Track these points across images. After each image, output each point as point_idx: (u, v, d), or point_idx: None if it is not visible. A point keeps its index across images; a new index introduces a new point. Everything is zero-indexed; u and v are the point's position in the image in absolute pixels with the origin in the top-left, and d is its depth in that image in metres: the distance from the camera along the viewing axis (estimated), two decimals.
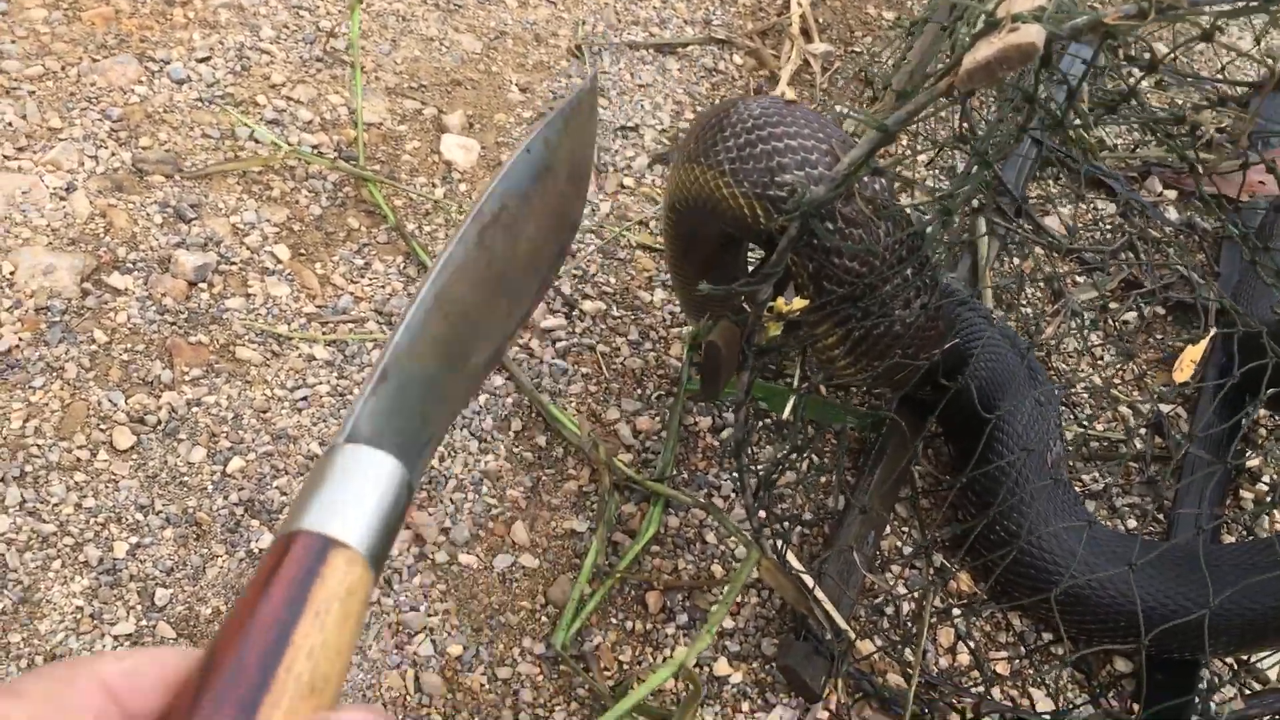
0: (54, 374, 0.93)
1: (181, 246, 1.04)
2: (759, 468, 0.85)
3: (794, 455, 0.88)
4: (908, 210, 0.79)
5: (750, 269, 1.00)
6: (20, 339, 0.94)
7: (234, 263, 1.04)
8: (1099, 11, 0.59)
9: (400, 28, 1.34)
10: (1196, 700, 0.97)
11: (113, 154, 1.09)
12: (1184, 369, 0.87)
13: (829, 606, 0.88)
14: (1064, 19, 0.60)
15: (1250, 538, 1.13)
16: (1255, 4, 0.58)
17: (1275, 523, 1.16)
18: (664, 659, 0.90)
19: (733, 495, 1.01)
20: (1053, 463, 1.00)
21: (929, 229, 0.78)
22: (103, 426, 0.91)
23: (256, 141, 1.15)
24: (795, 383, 0.88)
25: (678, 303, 1.03)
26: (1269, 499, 1.17)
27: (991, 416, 0.96)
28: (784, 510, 0.95)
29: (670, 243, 0.91)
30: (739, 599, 0.95)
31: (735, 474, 0.83)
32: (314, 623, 0.37)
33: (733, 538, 0.97)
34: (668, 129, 1.34)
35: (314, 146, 1.17)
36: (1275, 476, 1.22)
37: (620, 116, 1.33)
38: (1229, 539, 1.12)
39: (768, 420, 1.03)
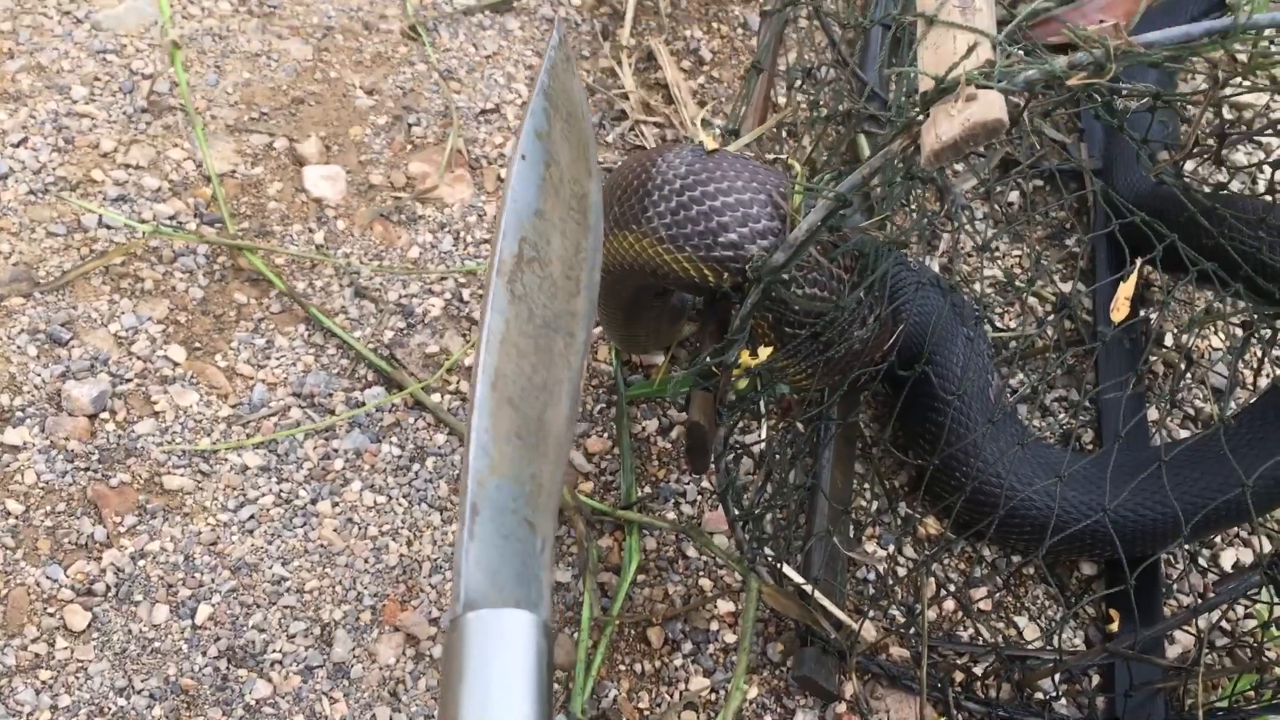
0: None
1: (68, 376, 0.95)
2: (743, 501, 0.85)
3: (771, 482, 0.88)
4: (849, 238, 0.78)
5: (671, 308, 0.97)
6: None
7: (129, 380, 0.97)
8: (1053, 66, 0.57)
9: (219, 49, 1.22)
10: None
11: None
12: (1120, 308, 0.89)
13: (830, 606, 0.90)
14: (1015, 72, 0.58)
15: (1171, 407, 1.18)
16: (1203, 44, 0.57)
17: (1190, 387, 1.22)
18: (680, 694, 0.90)
19: (699, 498, 1.01)
20: (995, 397, 1.02)
21: (874, 253, 0.77)
22: (50, 610, 0.85)
23: (108, 228, 1.05)
24: (762, 410, 0.88)
25: (606, 335, 1.01)
26: (1180, 363, 1.23)
27: (923, 369, 0.98)
28: (773, 523, 0.95)
29: (605, 300, 0.87)
30: (732, 608, 0.95)
31: (727, 518, 0.83)
32: None
33: (710, 550, 0.97)
34: (528, 101, 1.27)
35: (171, 218, 1.08)
36: (1176, 332, 1.27)
37: (478, 99, 1.26)
38: (1154, 413, 1.17)
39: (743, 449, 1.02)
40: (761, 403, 0.89)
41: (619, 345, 1.04)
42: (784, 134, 1.19)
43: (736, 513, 0.83)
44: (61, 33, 1.19)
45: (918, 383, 1.01)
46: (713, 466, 0.80)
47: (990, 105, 0.57)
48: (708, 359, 0.74)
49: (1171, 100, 0.68)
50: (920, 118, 0.61)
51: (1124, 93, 0.68)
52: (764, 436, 0.91)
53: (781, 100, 1.21)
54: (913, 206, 1.10)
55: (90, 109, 1.13)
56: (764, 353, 0.76)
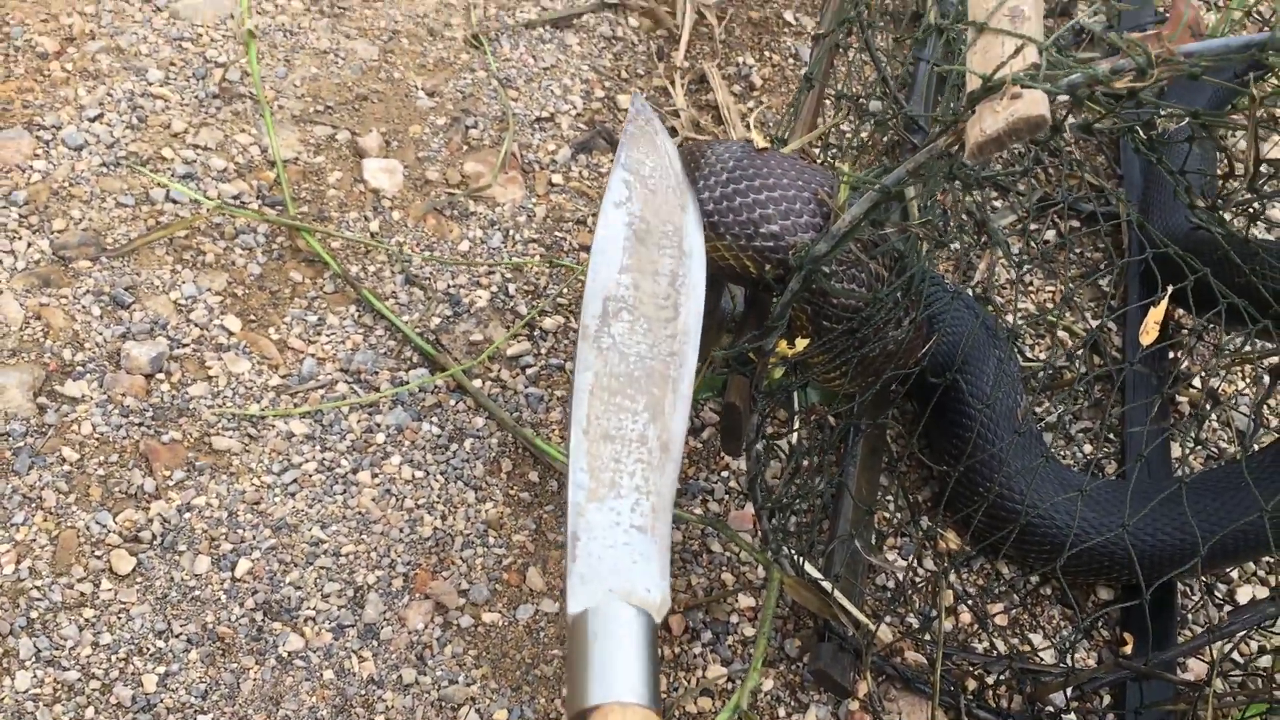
0: (33, 505, 0.89)
1: (128, 337, 0.99)
2: (771, 493, 0.87)
3: (798, 477, 0.91)
4: (888, 236, 0.81)
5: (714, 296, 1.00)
6: None
7: (186, 344, 1.01)
8: (1096, 70, 0.60)
9: (290, 45, 1.27)
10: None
11: (29, 244, 1.03)
12: (1149, 332, 0.92)
13: (848, 605, 0.92)
14: (1059, 76, 0.61)
15: (1195, 445, 1.20)
16: (1239, 57, 0.60)
17: (1214, 428, 1.24)
18: (697, 680, 0.93)
19: (726, 498, 1.04)
20: (1022, 417, 1.05)
21: (912, 255, 0.80)
22: (98, 553, 0.88)
23: (174, 202, 1.10)
24: (795, 405, 0.91)
25: None
26: (1204, 404, 1.25)
27: (953, 381, 1.00)
28: (797, 524, 0.98)
29: None
30: (753, 603, 0.98)
31: (754, 507, 0.86)
32: None
33: (735, 543, 1.00)
34: (582, 113, 1.32)
35: (235, 197, 1.12)
36: (1204, 375, 1.29)
37: (534, 107, 1.30)
38: (1177, 449, 1.19)
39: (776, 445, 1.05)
40: (796, 399, 0.91)
41: None
42: (829, 155, 1.22)
43: (763, 500, 0.85)
44: (141, 19, 1.24)
45: (948, 397, 1.04)
46: (745, 454, 0.82)
47: (1034, 102, 0.60)
48: (746, 344, 0.77)
49: (1212, 122, 0.71)
50: (967, 115, 0.64)
51: (1163, 114, 0.71)
52: (796, 431, 0.94)
53: (827, 120, 1.24)
54: (951, 227, 1.13)
55: (164, 91, 1.18)
56: (801, 344, 0.79)
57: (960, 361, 0.99)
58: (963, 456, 1.01)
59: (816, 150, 1.12)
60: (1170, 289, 0.94)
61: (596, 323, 0.60)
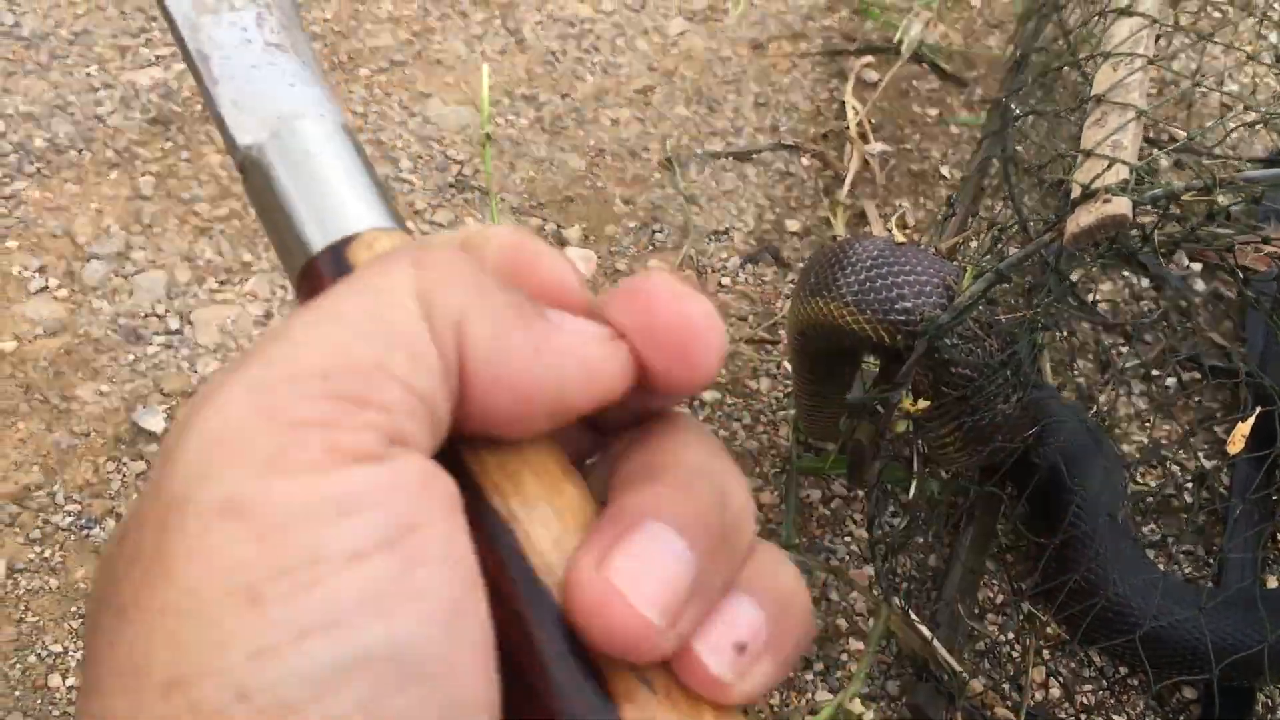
0: None
1: None
2: (888, 538, 1.02)
3: (914, 526, 1.05)
4: (1003, 320, 0.97)
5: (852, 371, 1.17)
6: None
7: None
8: (1172, 185, 0.77)
9: (515, 151, 1.52)
10: None
11: None
12: (1236, 443, 1.04)
13: (945, 653, 1.05)
14: (1144, 191, 0.78)
15: None
16: None
17: None
18: (806, 701, 1.06)
19: (847, 558, 1.18)
20: (1121, 520, 1.17)
21: (1022, 338, 0.96)
22: None
23: None
24: (914, 467, 1.06)
25: (799, 417, 1.21)
26: None
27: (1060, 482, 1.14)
28: (906, 572, 1.12)
29: (797, 360, 1.09)
30: (862, 647, 1.11)
31: (869, 543, 1.01)
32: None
33: (854, 594, 1.14)
34: (753, 230, 1.52)
35: None
36: None
37: (711, 222, 1.51)
38: (1272, 581, 1.29)
39: (894, 498, 1.20)
40: (915, 457, 1.06)
41: (802, 421, 1.24)
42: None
43: (879, 537, 1.00)
44: (399, 121, 1.51)
45: (1049, 493, 1.17)
46: (866, 489, 0.98)
47: (1120, 205, 0.77)
48: (875, 395, 0.93)
49: None
50: (1068, 214, 0.81)
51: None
52: (915, 481, 1.08)
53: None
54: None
55: (411, 178, 1.43)
56: (922, 404, 0.95)
57: (1065, 451, 1.13)
58: (1064, 552, 1.14)
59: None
60: (1260, 409, 1.07)
61: None
